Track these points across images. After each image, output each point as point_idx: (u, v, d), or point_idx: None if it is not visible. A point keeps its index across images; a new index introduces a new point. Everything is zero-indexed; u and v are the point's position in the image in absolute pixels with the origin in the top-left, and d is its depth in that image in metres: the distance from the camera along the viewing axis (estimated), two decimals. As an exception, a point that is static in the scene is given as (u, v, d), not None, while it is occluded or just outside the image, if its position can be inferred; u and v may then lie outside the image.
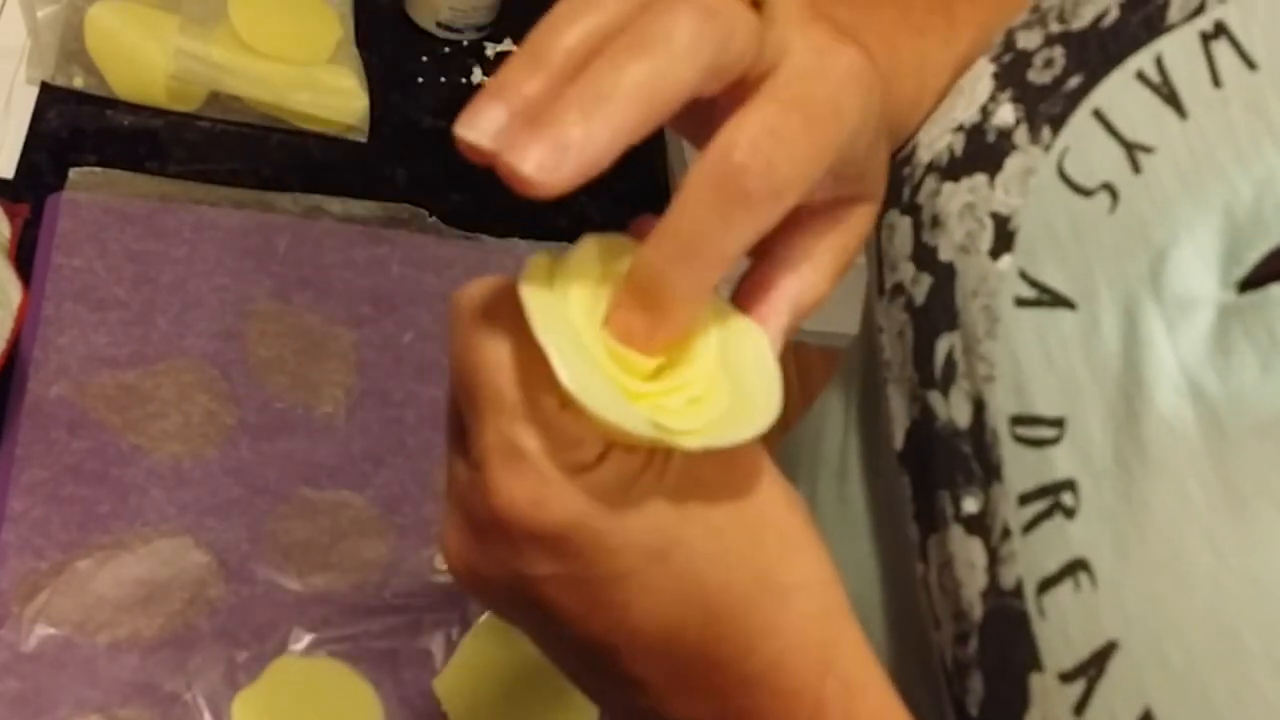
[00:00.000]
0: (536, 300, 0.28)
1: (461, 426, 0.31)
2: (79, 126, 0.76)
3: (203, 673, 0.58)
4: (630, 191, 0.85)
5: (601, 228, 0.87)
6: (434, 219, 0.78)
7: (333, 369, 0.70)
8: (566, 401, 0.27)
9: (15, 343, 0.60)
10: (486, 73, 0.91)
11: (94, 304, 0.67)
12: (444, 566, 0.64)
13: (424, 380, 0.71)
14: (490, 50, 0.92)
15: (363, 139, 0.82)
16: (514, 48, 0.93)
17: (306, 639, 0.60)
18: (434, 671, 0.61)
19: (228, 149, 0.78)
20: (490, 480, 0.28)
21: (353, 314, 0.72)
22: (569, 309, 0.29)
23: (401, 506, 0.66)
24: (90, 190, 0.71)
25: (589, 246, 0.31)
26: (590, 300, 0.30)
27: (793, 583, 0.31)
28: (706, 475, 0.30)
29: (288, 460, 0.65)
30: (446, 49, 0.91)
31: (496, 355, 0.29)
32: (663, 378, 0.30)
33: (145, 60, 0.76)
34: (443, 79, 0.89)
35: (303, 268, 0.72)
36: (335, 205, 0.76)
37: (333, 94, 0.80)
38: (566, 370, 0.27)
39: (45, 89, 0.76)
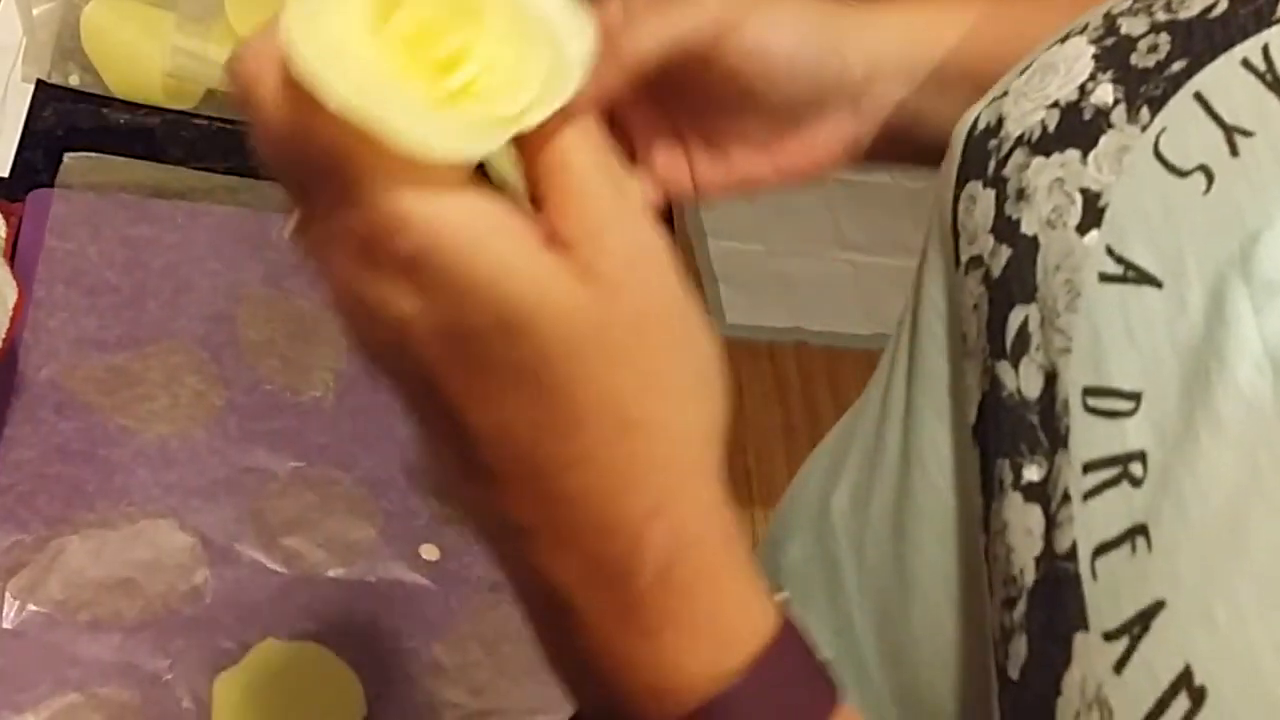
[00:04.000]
0: (305, 44, 0.26)
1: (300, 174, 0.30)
2: (75, 124, 0.75)
3: (184, 655, 0.58)
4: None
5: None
6: (428, 210, 0.78)
7: (323, 353, 0.70)
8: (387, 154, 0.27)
9: (12, 340, 0.60)
10: (485, 70, 0.91)
11: (85, 288, 0.67)
12: (431, 556, 0.64)
13: (414, 369, 0.71)
14: (489, 47, 0.93)
15: (359, 136, 0.82)
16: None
17: (290, 623, 0.60)
18: (417, 657, 0.61)
19: (224, 146, 0.78)
20: (350, 220, 0.28)
21: (344, 301, 0.72)
22: (345, 35, 0.28)
23: (388, 491, 0.66)
24: (84, 176, 0.71)
25: None
26: (361, 15, 0.28)
27: (640, 419, 0.30)
28: (590, 276, 0.29)
29: (276, 439, 0.65)
30: (445, 46, 0.91)
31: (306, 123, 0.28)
32: (469, 58, 0.29)
33: (142, 58, 0.76)
34: (440, 76, 0.90)
35: (296, 253, 0.72)
36: (330, 196, 0.76)
37: (330, 91, 0.81)
38: (391, 130, 0.26)
39: (41, 86, 0.76)
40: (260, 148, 0.30)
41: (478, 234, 0.28)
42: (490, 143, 0.28)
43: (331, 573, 0.62)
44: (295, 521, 0.63)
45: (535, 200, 0.30)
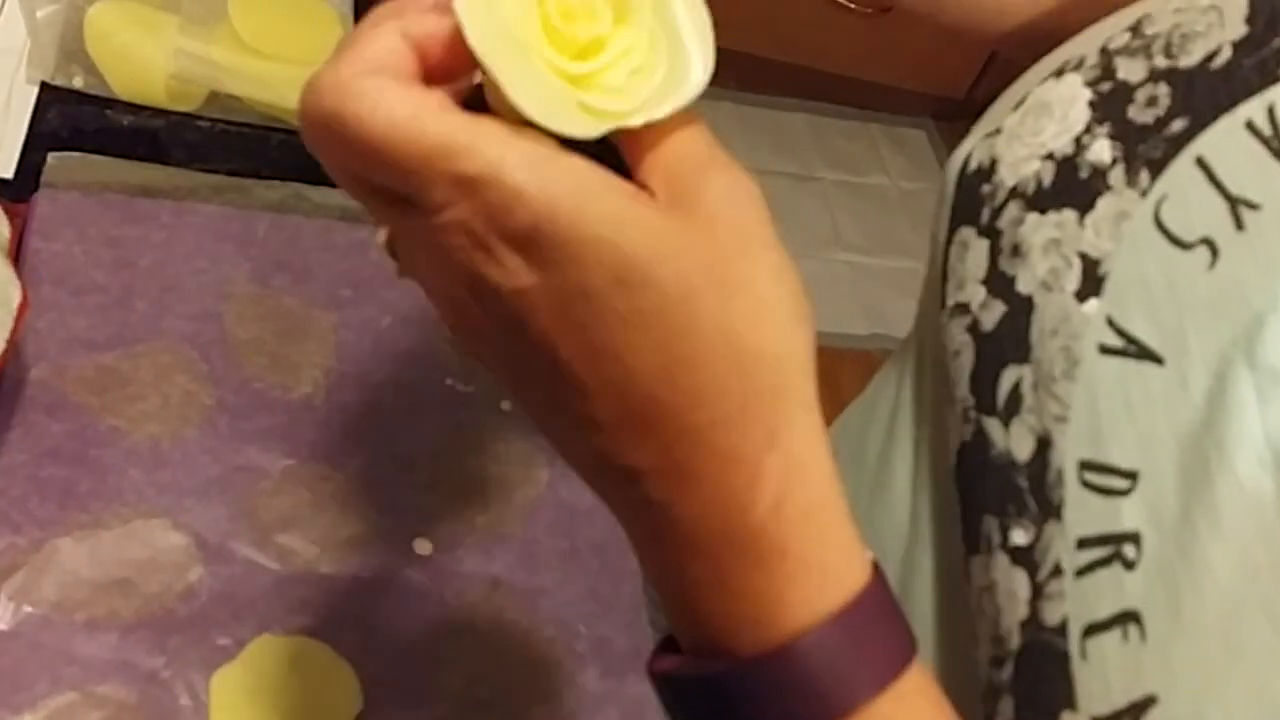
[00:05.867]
0: (467, 9, 0.29)
1: (391, 193, 0.31)
2: (79, 126, 0.76)
3: (181, 652, 0.58)
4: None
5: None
6: (414, 206, 0.78)
7: (311, 350, 0.70)
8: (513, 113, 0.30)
9: (14, 343, 0.60)
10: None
11: (73, 288, 0.67)
12: (424, 550, 0.65)
13: (403, 364, 0.71)
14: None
15: (362, 138, 0.82)
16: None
17: (285, 618, 0.60)
18: (413, 650, 0.61)
19: (227, 149, 0.79)
20: (462, 212, 0.29)
21: (332, 297, 0.72)
22: (503, 13, 0.30)
23: (379, 488, 0.66)
24: (69, 176, 0.71)
25: None
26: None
27: (754, 349, 0.30)
28: (691, 218, 0.30)
29: (267, 438, 0.65)
30: (444, 47, 0.91)
31: (399, 110, 0.29)
32: (605, 49, 0.31)
33: (145, 60, 0.77)
34: (441, 77, 0.89)
35: (282, 252, 0.73)
36: (314, 194, 0.76)
37: (333, 94, 0.81)
38: (511, 86, 0.29)
39: (45, 89, 0.76)
40: (354, 169, 0.31)
41: (587, 197, 0.29)
42: (592, 131, 0.30)
43: (325, 568, 0.62)
44: (288, 519, 0.63)
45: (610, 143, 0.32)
